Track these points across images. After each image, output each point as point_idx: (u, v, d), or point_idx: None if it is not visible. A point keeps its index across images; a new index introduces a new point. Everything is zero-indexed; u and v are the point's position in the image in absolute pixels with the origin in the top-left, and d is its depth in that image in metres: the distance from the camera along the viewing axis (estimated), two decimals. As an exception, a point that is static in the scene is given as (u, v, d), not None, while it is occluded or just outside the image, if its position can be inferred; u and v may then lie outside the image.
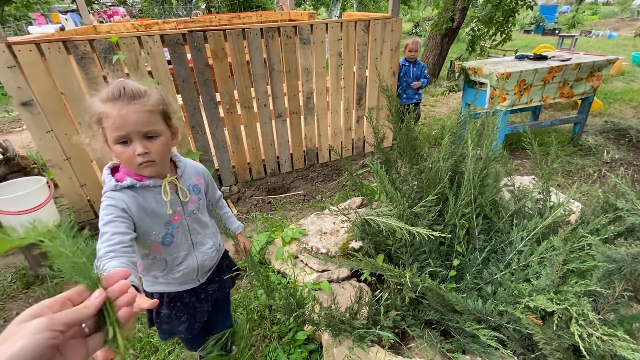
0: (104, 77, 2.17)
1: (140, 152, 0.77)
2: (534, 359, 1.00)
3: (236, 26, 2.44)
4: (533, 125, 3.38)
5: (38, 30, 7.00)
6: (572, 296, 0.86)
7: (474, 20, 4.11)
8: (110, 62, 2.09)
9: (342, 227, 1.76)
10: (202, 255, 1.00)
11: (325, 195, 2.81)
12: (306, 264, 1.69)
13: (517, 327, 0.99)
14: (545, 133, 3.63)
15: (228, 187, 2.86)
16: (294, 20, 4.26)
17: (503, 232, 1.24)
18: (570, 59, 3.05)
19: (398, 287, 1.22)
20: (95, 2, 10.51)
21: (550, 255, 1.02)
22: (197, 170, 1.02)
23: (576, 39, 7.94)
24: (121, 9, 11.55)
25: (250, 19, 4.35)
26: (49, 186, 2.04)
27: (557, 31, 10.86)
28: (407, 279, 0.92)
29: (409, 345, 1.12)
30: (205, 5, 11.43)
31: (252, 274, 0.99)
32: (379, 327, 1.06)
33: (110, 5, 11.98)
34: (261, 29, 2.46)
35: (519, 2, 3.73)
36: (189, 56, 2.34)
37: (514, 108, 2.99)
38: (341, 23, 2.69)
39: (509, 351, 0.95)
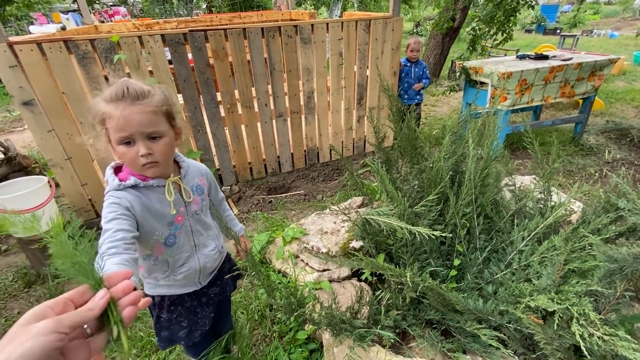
0: (105, 77, 2.17)
1: (144, 153, 0.77)
2: (534, 359, 1.00)
3: (237, 26, 2.44)
4: (534, 124, 3.37)
5: (39, 30, 7.01)
6: (573, 296, 0.86)
7: (475, 20, 4.11)
8: (112, 62, 2.10)
9: (342, 227, 1.76)
10: (205, 257, 1.00)
11: (326, 194, 2.81)
12: (307, 264, 1.69)
13: (518, 327, 0.99)
14: (547, 133, 3.62)
15: (229, 187, 2.87)
16: (295, 20, 4.26)
17: (504, 232, 1.24)
18: (572, 58, 3.05)
19: (399, 286, 1.22)
20: (97, 2, 10.53)
21: (551, 255, 1.02)
22: (200, 171, 1.02)
23: (577, 38, 7.92)
24: (122, 9, 11.56)
25: (251, 19, 4.35)
26: (50, 186, 2.05)
27: (558, 31, 10.84)
28: (408, 279, 0.91)
29: (410, 345, 1.12)
30: (206, 5, 11.44)
31: (252, 273, 0.99)
32: (379, 326, 1.06)
33: (111, 5, 11.99)
34: (262, 28, 2.46)
35: (520, 1, 3.73)
36: (189, 56, 2.34)
37: (515, 108, 2.98)
38: (342, 22, 2.69)
39: (509, 351, 0.95)
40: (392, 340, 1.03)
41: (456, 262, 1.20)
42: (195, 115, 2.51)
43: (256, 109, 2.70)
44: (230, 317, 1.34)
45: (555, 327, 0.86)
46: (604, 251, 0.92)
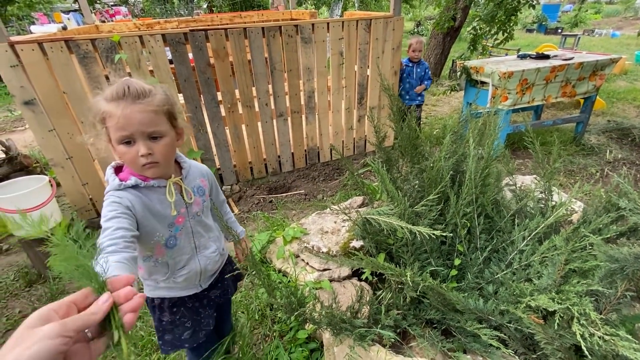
0: (106, 77, 2.17)
1: (144, 153, 0.76)
2: (535, 359, 1.00)
3: (238, 25, 2.44)
4: (535, 124, 3.37)
5: (40, 29, 7.03)
6: (574, 296, 0.86)
7: (476, 19, 4.10)
8: (112, 62, 2.10)
9: (343, 226, 1.76)
10: (205, 259, 0.98)
11: (327, 194, 2.81)
12: (307, 263, 1.69)
13: (519, 327, 0.98)
14: (548, 132, 3.62)
15: (229, 186, 2.87)
16: (296, 20, 4.25)
17: (504, 232, 1.23)
18: (573, 58, 3.04)
19: (399, 286, 1.22)
20: (98, 1, 10.55)
21: (552, 255, 1.01)
22: (201, 172, 1.00)
23: (579, 38, 7.90)
24: (123, 9, 11.57)
25: (251, 18, 4.35)
26: (51, 185, 2.05)
27: (559, 30, 10.81)
28: (408, 278, 0.91)
29: (410, 345, 1.12)
30: (206, 4, 11.44)
31: (253, 272, 0.99)
32: (379, 326, 1.06)
33: (112, 5, 12.00)
34: (262, 28, 2.46)
35: (521, 0, 3.72)
36: (190, 55, 2.34)
37: (516, 107, 2.98)
38: (343, 22, 2.69)
39: (510, 351, 0.95)
40: (393, 340, 1.03)
41: (457, 261, 1.20)
42: (195, 114, 2.51)
43: (257, 109, 2.70)
44: (230, 318, 1.33)
45: (556, 327, 0.85)
46: (604, 251, 0.92)
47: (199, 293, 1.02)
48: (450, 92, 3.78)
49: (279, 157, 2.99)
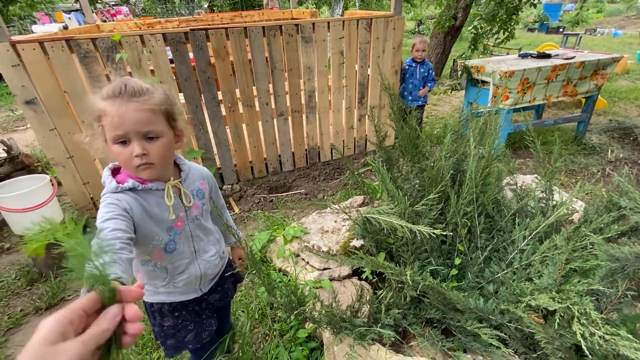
0: (107, 76, 2.18)
1: (138, 153, 0.73)
2: (535, 358, 1.00)
3: (238, 25, 2.44)
4: (536, 123, 3.36)
5: (41, 29, 7.05)
6: (575, 295, 0.86)
7: (477, 18, 4.09)
8: (113, 61, 2.10)
9: (343, 226, 1.76)
10: (205, 263, 0.96)
11: (327, 193, 2.81)
12: (307, 262, 1.69)
13: (519, 326, 0.98)
14: (549, 132, 3.60)
15: (230, 186, 2.87)
16: (296, 19, 4.25)
17: (505, 231, 1.23)
18: (574, 57, 3.03)
19: (399, 285, 1.22)
20: (99, 1, 10.57)
21: (552, 254, 1.01)
22: (201, 174, 0.97)
23: (580, 37, 7.88)
24: (124, 8, 11.58)
25: (252, 18, 4.35)
26: (52, 184, 2.06)
27: (561, 29, 10.77)
28: (408, 277, 0.91)
29: (410, 344, 1.12)
30: (207, 4, 11.45)
31: (253, 272, 0.99)
32: (379, 325, 1.06)
33: (113, 5, 12.02)
34: (263, 27, 2.46)
35: (523, -1, 3.71)
36: (191, 55, 2.35)
37: (517, 107, 2.97)
38: (343, 21, 2.68)
39: (510, 350, 0.95)
40: (393, 339, 1.03)
41: (457, 261, 1.20)
42: (196, 114, 2.51)
43: (257, 108, 2.70)
44: (230, 318, 1.32)
45: (556, 327, 0.85)
46: (605, 250, 0.92)
47: (198, 297, 1.01)
48: (451, 92, 3.78)
49: (279, 156, 2.99)
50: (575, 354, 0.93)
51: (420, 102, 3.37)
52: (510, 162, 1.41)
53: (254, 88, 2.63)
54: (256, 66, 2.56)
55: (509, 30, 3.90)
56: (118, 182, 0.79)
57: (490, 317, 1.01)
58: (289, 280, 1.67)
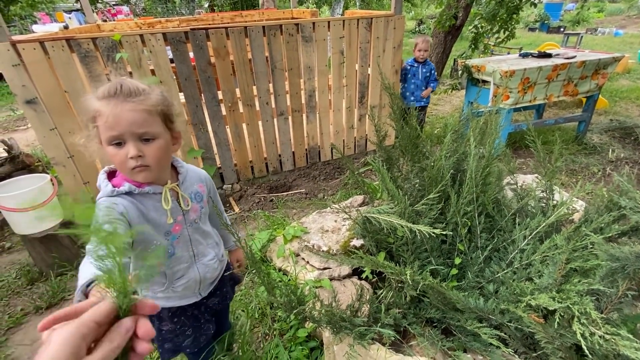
0: (107, 75, 2.18)
1: (133, 154, 0.70)
2: (535, 358, 0.99)
3: (238, 24, 2.44)
4: (537, 123, 3.35)
5: (42, 29, 7.05)
6: (575, 295, 0.86)
7: (478, 18, 4.08)
8: (113, 60, 2.10)
9: (343, 225, 1.76)
10: (204, 267, 0.95)
11: (327, 193, 2.81)
12: (307, 262, 1.69)
13: (519, 326, 0.98)
14: (549, 131, 3.60)
15: (230, 185, 2.87)
16: (297, 18, 4.25)
17: (505, 231, 1.23)
18: (575, 56, 3.02)
19: (399, 285, 1.22)
20: (99, 1, 10.57)
21: (553, 254, 1.01)
22: (199, 177, 0.95)
23: (581, 36, 7.86)
24: (125, 8, 11.59)
25: (252, 17, 4.34)
26: (53, 184, 2.06)
27: (562, 29, 10.75)
28: (408, 277, 0.91)
29: (410, 343, 1.12)
30: (208, 3, 11.45)
31: (253, 271, 0.98)
32: (379, 324, 1.06)
33: (113, 4, 12.03)
34: (263, 27, 2.46)
35: (523, -1, 3.70)
36: (191, 54, 2.35)
37: (518, 106, 2.97)
38: (343, 21, 2.68)
39: (510, 350, 0.94)
40: (392, 339, 1.03)
41: (457, 260, 1.20)
42: (196, 113, 2.51)
43: (257, 108, 2.70)
44: (228, 319, 1.32)
45: (557, 326, 0.85)
46: (606, 250, 0.91)
47: (198, 301, 0.99)
48: (451, 91, 3.78)
49: (279, 156, 2.99)
50: (575, 354, 0.93)
51: (422, 103, 3.34)
52: (511, 161, 1.40)
53: (254, 87, 2.63)
54: (256, 66, 2.56)
55: (510, 29, 3.89)
56: (114, 186, 0.77)
57: (490, 316, 1.01)
58: (289, 280, 1.67)
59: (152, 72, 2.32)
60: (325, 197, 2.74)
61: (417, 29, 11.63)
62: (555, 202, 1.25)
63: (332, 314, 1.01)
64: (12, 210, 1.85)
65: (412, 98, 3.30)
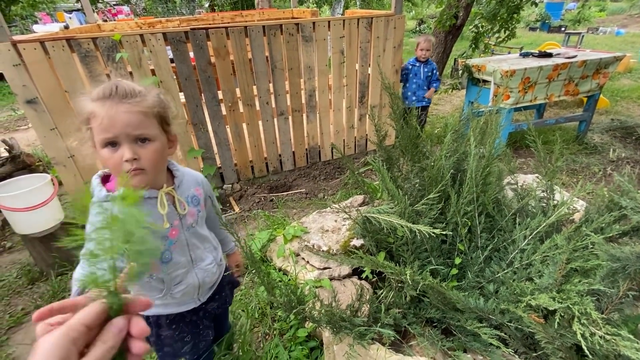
0: (107, 75, 2.18)
1: (128, 157, 0.68)
2: (535, 358, 0.99)
3: (238, 24, 2.44)
4: (537, 123, 3.34)
5: (43, 29, 7.06)
6: (575, 295, 0.85)
7: (478, 17, 4.08)
8: (114, 60, 2.10)
9: (343, 225, 1.76)
10: (203, 271, 0.93)
11: (327, 193, 2.80)
12: (307, 262, 1.69)
13: (519, 326, 0.98)
14: (550, 131, 3.59)
15: (230, 185, 2.87)
16: (297, 18, 4.25)
17: (506, 231, 1.23)
18: (576, 56, 3.01)
19: (399, 285, 1.22)
20: (100, 1, 10.58)
21: (553, 254, 1.01)
22: (196, 180, 0.93)
23: (583, 36, 7.84)
24: (125, 8, 11.60)
25: (252, 17, 4.34)
26: (53, 183, 2.06)
27: (563, 28, 10.73)
28: (408, 277, 0.91)
29: (410, 343, 1.12)
30: (208, 3, 11.45)
31: (253, 271, 0.98)
32: (379, 324, 1.06)
33: (114, 4, 12.04)
34: (263, 26, 2.46)
35: (524, -2, 3.69)
36: (191, 54, 2.35)
37: (518, 106, 2.96)
38: (344, 20, 2.68)
39: (510, 350, 0.94)
40: (392, 339, 1.03)
41: (457, 260, 1.19)
42: (196, 113, 2.51)
43: (258, 107, 2.70)
44: (228, 322, 1.31)
45: (557, 326, 0.85)
46: (606, 250, 0.91)
47: (197, 307, 0.98)
48: (451, 91, 3.77)
49: (280, 155, 2.99)
50: (575, 354, 0.93)
51: (424, 103, 3.33)
52: (511, 161, 1.40)
53: (255, 87, 2.63)
54: (256, 65, 2.56)
55: (510, 29, 3.89)
56: (108, 191, 0.75)
57: (490, 316, 1.01)
58: (289, 280, 1.67)
59: (152, 72, 2.32)
60: (326, 197, 2.73)
61: (417, 29, 11.62)
62: (555, 202, 1.25)
63: (332, 314, 1.01)
64: (12, 210, 1.85)
65: (414, 98, 3.27)
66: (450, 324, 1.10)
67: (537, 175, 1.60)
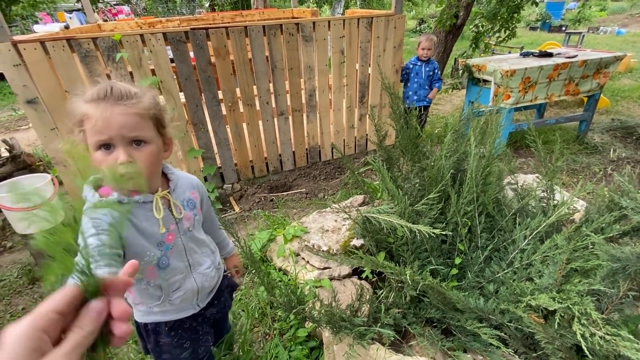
0: (108, 75, 2.18)
1: (123, 160, 0.67)
2: (535, 358, 0.99)
3: (239, 24, 2.44)
4: (538, 123, 3.34)
5: (43, 29, 7.06)
6: (575, 295, 0.85)
7: (478, 17, 4.07)
8: (114, 60, 2.10)
9: (343, 225, 1.76)
10: (201, 276, 0.92)
11: (328, 193, 2.80)
12: (307, 262, 1.69)
13: (519, 326, 0.98)
14: (550, 131, 3.59)
15: (230, 185, 2.87)
16: (297, 18, 4.25)
17: (506, 231, 1.23)
18: (577, 55, 3.01)
19: (399, 285, 1.22)
20: (100, 1, 10.59)
21: (553, 254, 1.01)
22: (191, 183, 0.92)
23: (583, 35, 7.82)
24: (125, 8, 11.60)
25: (253, 17, 4.34)
26: (54, 183, 2.07)
27: (563, 28, 10.71)
28: (408, 277, 0.91)
29: (410, 343, 1.12)
30: (208, 3, 11.45)
31: (253, 271, 0.98)
32: (379, 324, 1.06)
33: (114, 4, 12.04)
34: (263, 26, 2.45)
35: (524, -2, 3.69)
36: (191, 54, 2.35)
37: (518, 106, 2.96)
38: (344, 20, 2.68)
39: (510, 350, 0.94)
40: (392, 339, 1.03)
41: (457, 260, 1.19)
42: (196, 113, 2.51)
43: (258, 107, 2.70)
44: (227, 325, 1.30)
45: (557, 327, 0.85)
46: (606, 250, 0.91)
47: (196, 313, 0.96)
48: (452, 91, 3.77)
49: (280, 155, 2.99)
50: (575, 354, 0.93)
51: (425, 103, 3.32)
52: (511, 161, 1.40)
53: (255, 87, 2.63)
54: (256, 65, 2.56)
55: (511, 28, 3.88)
56: (101, 196, 0.72)
57: (490, 316, 1.01)
58: (289, 280, 1.67)
59: (153, 72, 2.32)
60: (326, 197, 2.73)
61: (417, 28, 11.61)
62: (556, 202, 1.24)
63: (332, 314, 1.01)
64: (13, 210, 1.86)
65: (415, 97, 3.26)
66: (450, 324, 1.10)
67: (537, 175, 1.60)
